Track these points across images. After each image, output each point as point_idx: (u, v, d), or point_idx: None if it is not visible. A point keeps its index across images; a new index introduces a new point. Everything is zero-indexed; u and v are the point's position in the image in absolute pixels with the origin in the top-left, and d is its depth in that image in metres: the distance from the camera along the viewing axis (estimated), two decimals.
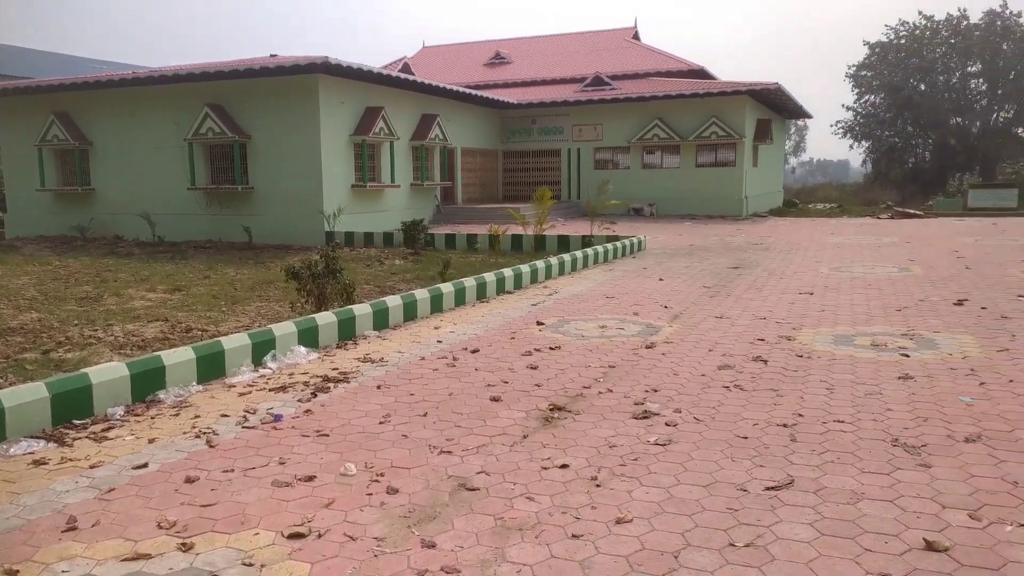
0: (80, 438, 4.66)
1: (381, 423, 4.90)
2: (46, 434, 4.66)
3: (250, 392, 5.64)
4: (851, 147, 52.87)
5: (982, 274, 11.23)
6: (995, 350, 6.55)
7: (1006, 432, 4.51)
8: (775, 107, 30.27)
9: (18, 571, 3.10)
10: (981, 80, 47.31)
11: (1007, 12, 45.30)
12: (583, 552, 3.21)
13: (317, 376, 6.04)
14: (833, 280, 10.97)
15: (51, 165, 21.07)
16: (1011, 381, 5.58)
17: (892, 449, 4.29)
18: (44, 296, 9.91)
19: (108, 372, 5.21)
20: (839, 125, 51.85)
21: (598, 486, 3.87)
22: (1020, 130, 46.70)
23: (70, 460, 4.30)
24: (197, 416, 5.09)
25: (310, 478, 4.01)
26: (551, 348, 6.95)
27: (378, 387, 5.75)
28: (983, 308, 8.50)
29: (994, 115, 47.16)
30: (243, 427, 4.86)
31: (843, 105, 54.63)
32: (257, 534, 3.40)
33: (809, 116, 36.98)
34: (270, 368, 6.25)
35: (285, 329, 6.71)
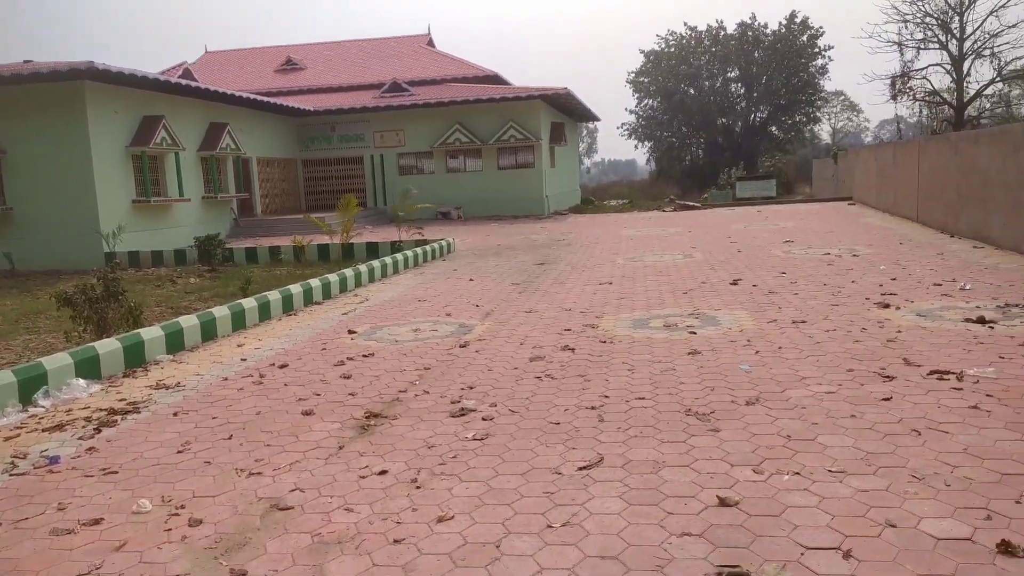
0: None
1: (179, 452, 4.52)
2: None
3: (19, 435, 4.97)
4: (636, 147, 57.20)
5: (751, 256, 12.56)
6: (766, 322, 7.34)
7: (779, 393, 5.06)
8: (567, 111, 31.88)
9: None
10: (740, 84, 53.05)
11: (756, 23, 51.19)
12: (406, 556, 3.16)
13: (101, 410, 5.45)
14: (628, 269, 11.74)
15: None
16: (780, 348, 6.27)
17: (686, 419, 4.66)
18: None
19: None
20: (624, 127, 55.84)
21: (418, 488, 3.84)
22: (774, 128, 52.92)
23: None
24: None
25: (96, 521, 3.60)
26: (364, 356, 6.80)
27: (174, 414, 5.30)
28: (754, 286, 9.50)
29: (752, 115, 53.06)
30: (11, 474, 4.26)
31: (626, 108, 58.73)
32: None
33: (598, 119, 39.36)
34: (43, 406, 5.55)
35: (59, 361, 5.99)
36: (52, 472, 4.28)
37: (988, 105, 34.92)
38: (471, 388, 5.58)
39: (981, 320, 6.72)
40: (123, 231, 16.42)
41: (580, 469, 3.96)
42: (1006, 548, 2.92)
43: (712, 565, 2.95)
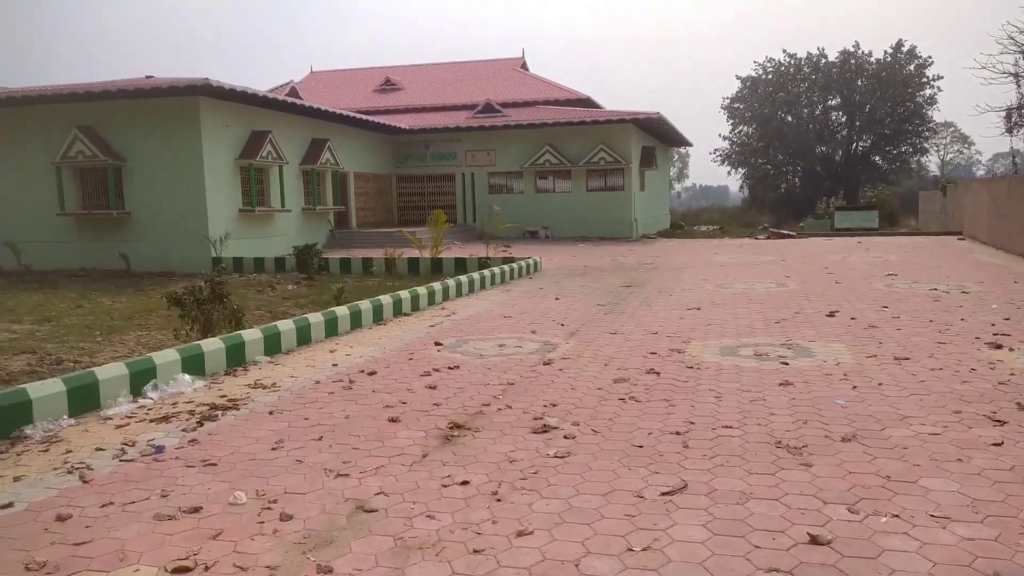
0: None
1: (274, 449, 4.70)
2: None
3: (128, 424, 5.28)
4: (729, 173, 56.11)
5: (850, 288, 12.07)
6: (865, 356, 7.03)
7: (878, 431, 4.83)
8: (659, 135, 31.63)
9: None
10: (841, 113, 51.34)
11: (860, 51, 49.52)
12: (485, 567, 3.18)
13: (203, 404, 5.74)
14: (718, 296, 11.49)
15: None
16: (880, 384, 5.99)
17: (776, 451, 4.51)
18: None
19: None
20: (717, 153, 54.90)
21: (499, 501, 3.86)
22: (877, 158, 50.88)
23: None
24: (69, 451, 4.71)
25: (196, 509, 3.79)
26: (450, 368, 6.90)
27: (270, 413, 5.52)
28: (852, 319, 9.12)
29: (854, 144, 51.20)
30: (121, 460, 4.54)
31: (720, 135, 57.82)
32: (137, 570, 3.17)
33: (690, 144, 38.88)
34: (151, 398, 5.89)
35: (167, 357, 6.35)
36: (157, 460, 4.54)
37: None
38: (554, 406, 5.58)
39: None
40: (229, 238, 17.31)
41: (663, 494, 3.89)
42: None
43: None
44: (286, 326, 7.94)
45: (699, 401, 5.62)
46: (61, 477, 4.27)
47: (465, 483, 4.09)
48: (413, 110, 31.68)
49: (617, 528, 3.52)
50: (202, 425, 5.22)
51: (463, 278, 12.51)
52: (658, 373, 6.53)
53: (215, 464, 4.45)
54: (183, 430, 5.12)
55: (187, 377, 6.32)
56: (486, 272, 13.44)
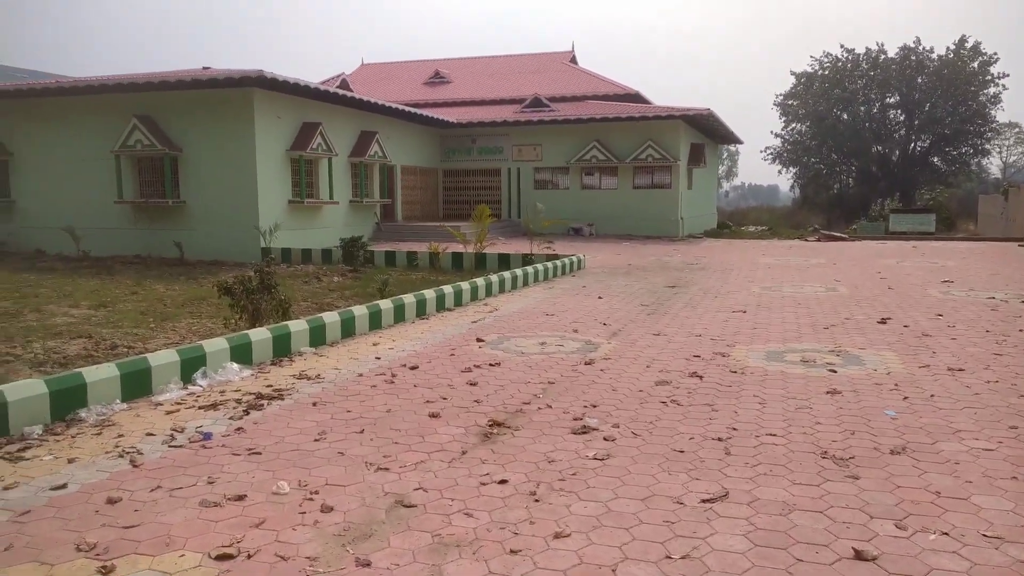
0: None
1: (316, 440, 4.78)
2: None
3: (178, 410, 5.43)
4: (779, 172, 55.17)
5: (904, 294, 11.74)
6: (917, 366, 6.83)
7: (928, 444, 4.69)
8: (708, 132, 31.17)
9: None
10: (899, 111, 49.87)
11: (920, 47, 47.99)
12: (521, 568, 3.18)
13: (250, 393, 5.86)
14: (765, 299, 11.28)
15: None
16: (932, 396, 5.82)
17: (821, 461, 4.41)
18: None
19: (25, 389, 4.94)
20: (768, 151, 53.86)
21: (537, 501, 3.85)
22: (936, 159, 49.30)
23: None
24: (121, 435, 4.86)
25: (240, 497, 3.87)
26: (491, 365, 6.92)
27: (314, 404, 5.61)
28: (905, 326, 8.87)
29: (912, 144, 49.70)
30: (170, 446, 4.66)
31: (772, 132, 56.68)
32: (183, 556, 3.25)
33: (740, 142, 38.21)
34: (200, 385, 6.04)
35: (216, 345, 6.50)
36: (204, 447, 4.65)
37: None
38: (594, 407, 5.55)
39: None
40: (278, 229, 17.64)
41: (703, 501, 3.84)
42: None
43: None
44: (331, 318, 8.06)
45: (743, 407, 5.53)
46: (113, 461, 4.41)
47: (504, 482, 4.10)
48: (461, 103, 31.82)
49: (655, 534, 3.48)
50: (248, 414, 5.33)
51: (506, 274, 12.53)
52: (701, 377, 6.45)
53: (260, 453, 4.54)
54: (230, 418, 5.24)
55: (235, 366, 6.47)
56: (529, 269, 13.43)
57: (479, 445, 4.71)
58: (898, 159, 49.52)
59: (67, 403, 5.15)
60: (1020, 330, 8.54)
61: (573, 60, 36.48)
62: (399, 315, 9.24)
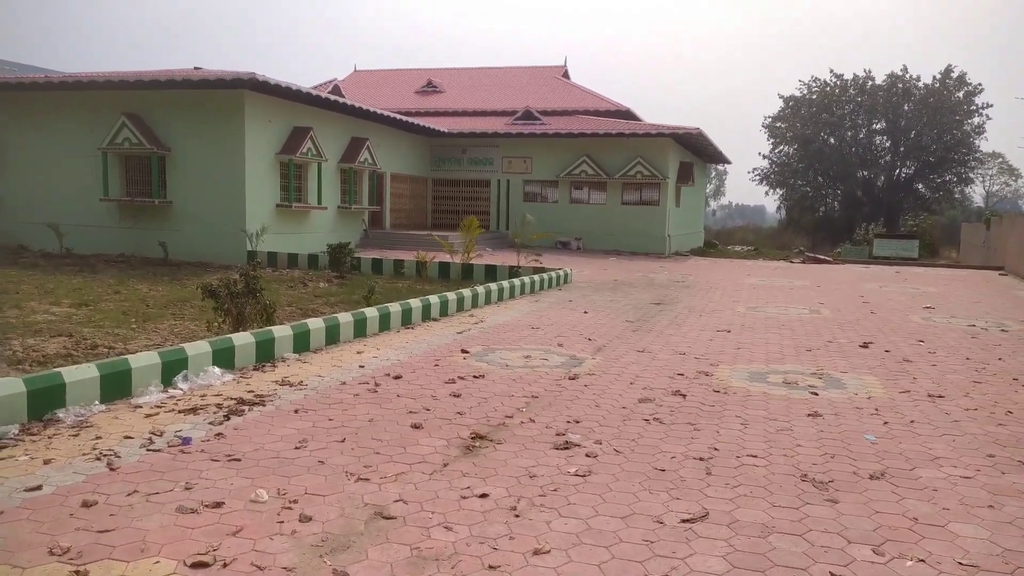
0: None
1: (297, 448, 4.74)
2: None
3: (157, 413, 5.37)
4: (766, 193, 55.55)
5: (886, 319, 11.84)
6: (897, 391, 6.88)
7: (907, 471, 4.73)
8: (697, 151, 31.41)
9: None
10: (885, 137, 50.55)
11: (907, 75, 48.73)
12: None
13: (231, 398, 5.81)
14: (749, 319, 11.35)
15: None
16: (912, 422, 5.86)
17: (801, 484, 4.43)
18: None
19: (2, 387, 4.87)
20: (756, 172, 54.37)
21: (517, 516, 3.84)
22: (920, 186, 49.97)
23: None
24: (99, 437, 4.80)
25: (218, 504, 3.83)
26: (475, 376, 6.91)
27: (295, 411, 5.57)
28: (887, 351, 8.94)
29: (897, 170, 50.36)
30: (148, 450, 4.61)
31: (760, 153, 57.22)
32: (157, 562, 3.21)
33: (728, 162, 38.53)
34: (181, 389, 5.98)
35: (199, 349, 6.44)
36: (183, 452, 4.60)
37: None
38: (577, 422, 5.55)
39: None
40: (265, 232, 17.55)
41: (683, 521, 3.85)
42: None
43: None
44: (316, 324, 8.02)
45: (724, 427, 5.55)
46: (89, 463, 4.35)
47: (484, 496, 4.08)
48: (453, 113, 31.87)
49: (635, 553, 3.48)
50: (229, 419, 5.28)
51: (492, 286, 12.52)
52: (684, 395, 6.47)
53: (239, 460, 4.50)
54: (210, 423, 5.19)
55: (217, 370, 6.41)
56: (516, 281, 13.44)
57: (461, 458, 4.70)
58: (883, 184, 50.14)
59: (45, 403, 5.08)
60: (999, 358, 8.64)
61: (566, 75, 36.65)
62: (384, 323, 9.21)
